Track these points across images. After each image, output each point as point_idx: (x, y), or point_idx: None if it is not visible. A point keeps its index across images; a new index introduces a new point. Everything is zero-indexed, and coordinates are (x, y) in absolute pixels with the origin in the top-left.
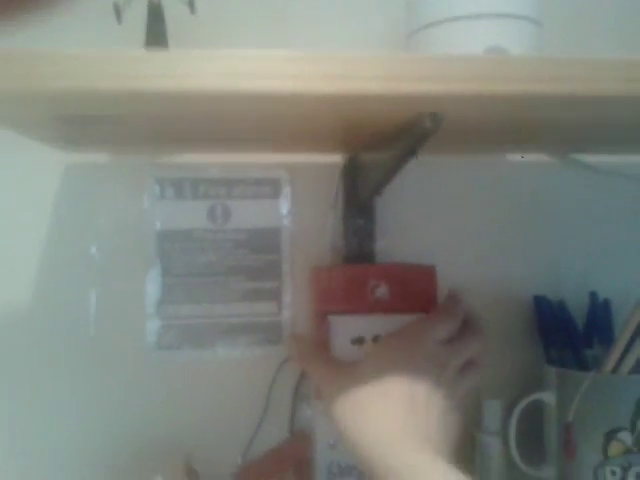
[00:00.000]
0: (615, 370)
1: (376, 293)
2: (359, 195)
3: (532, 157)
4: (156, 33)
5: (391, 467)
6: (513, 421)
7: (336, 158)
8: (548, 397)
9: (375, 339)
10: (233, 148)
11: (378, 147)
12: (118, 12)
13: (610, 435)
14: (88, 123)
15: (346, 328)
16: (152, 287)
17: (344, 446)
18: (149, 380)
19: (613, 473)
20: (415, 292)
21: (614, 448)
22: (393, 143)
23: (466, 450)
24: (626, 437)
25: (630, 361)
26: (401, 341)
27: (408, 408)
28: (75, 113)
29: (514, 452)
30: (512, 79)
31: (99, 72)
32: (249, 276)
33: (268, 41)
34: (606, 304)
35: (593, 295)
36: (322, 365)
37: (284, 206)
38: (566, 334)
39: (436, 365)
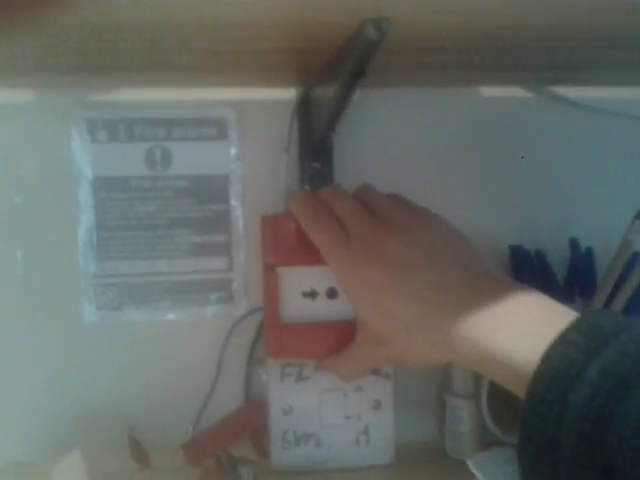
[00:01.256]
0: None
1: None
2: (313, 135)
3: (504, 91)
4: None
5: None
6: (484, 383)
7: (288, 94)
8: None
9: (329, 293)
10: (171, 81)
11: (329, 77)
12: None
13: None
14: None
15: (296, 281)
16: (85, 242)
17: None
18: (86, 345)
19: None
20: None
21: None
22: (341, 67)
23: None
24: None
25: None
26: None
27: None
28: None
29: (486, 416)
30: None
31: None
32: (195, 229)
33: None
34: (588, 253)
35: (574, 243)
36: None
37: (232, 149)
38: (545, 287)
39: None
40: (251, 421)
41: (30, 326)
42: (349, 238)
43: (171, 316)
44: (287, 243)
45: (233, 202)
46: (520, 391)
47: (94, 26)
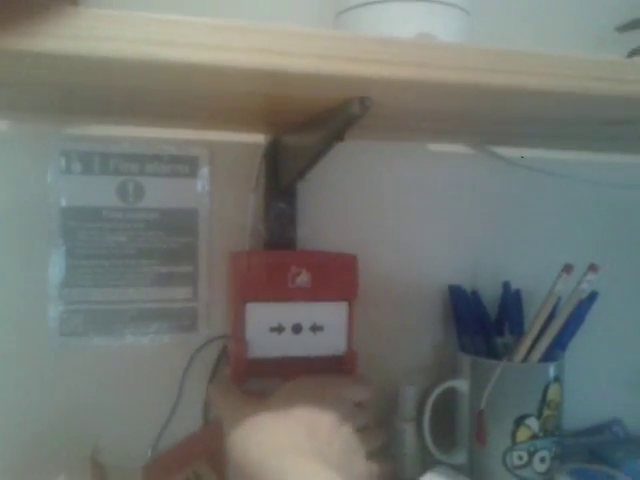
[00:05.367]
0: (525, 359)
1: (297, 281)
2: (281, 179)
3: (450, 147)
4: None
5: (280, 473)
6: (427, 408)
7: (259, 138)
8: (461, 385)
9: (295, 328)
10: (148, 122)
11: (303, 129)
12: None
13: (519, 421)
14: None
15: (265, 316)
16: (55, 268)
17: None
18: (51, 369)
19: (520, 458)
20: (336, 281)
21: (522, 434)
22: (318, 126)
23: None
24: (533, 423)
25: (539, 350)
26: (316, 383)
27: (309, 433)
28: None
29: (428, 438)
30: (448, 67)
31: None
32: (162, 259)
33: (193, 7)
34: (517, 294)
35: (506, 285)
36: (231, 394)
37: (202, 186)
38: (479, 322)
39: (344, 413)
40: (209, 444)
41: None
42: None
43: (135, 342)
44: (258, 280)
45: (201, 236)
46: None
47: (75, 85)
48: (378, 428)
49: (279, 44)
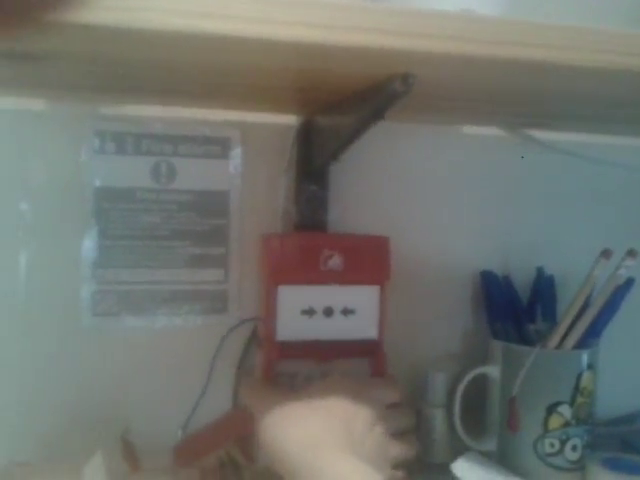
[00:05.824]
0: (559, 346)
1: (329, 263)
2: (314, 160)
3: (485, 130)
4: None
5: (314, 469)
6: (458, 394)
7: (291, 119)
8: (492, 371)
9: (326, 311)
10: (182, 102)
11: (337, 109)
12: None
13: (551, 409)
14: (22, 60)
15: (296, 298)
16: (88, 249)
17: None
18: (84, 349)
19: (552, 445)
20: (368, 263)
21: (554, 421)
22: (356, 105)
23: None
24: (566, 410)
25: (574, 337)
26: (348, 382)
27: (344, 428)
28: (6, 47)
29: (458, 425)
30: (492, 41)
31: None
32: (194, 241)
33: None
34: (550, 280)
35: (540, 270)
36: (263, 389)
37: (234, 167)
38: (510, 308)
39: (377, 415)
40: (239, 427)
41: (30, 329)
42: None
43: (167, 323)
44: (290, 262)
45: (232, 217)
46: None
47: (110, 59)
48: (411, 435)
49: (319, 17)
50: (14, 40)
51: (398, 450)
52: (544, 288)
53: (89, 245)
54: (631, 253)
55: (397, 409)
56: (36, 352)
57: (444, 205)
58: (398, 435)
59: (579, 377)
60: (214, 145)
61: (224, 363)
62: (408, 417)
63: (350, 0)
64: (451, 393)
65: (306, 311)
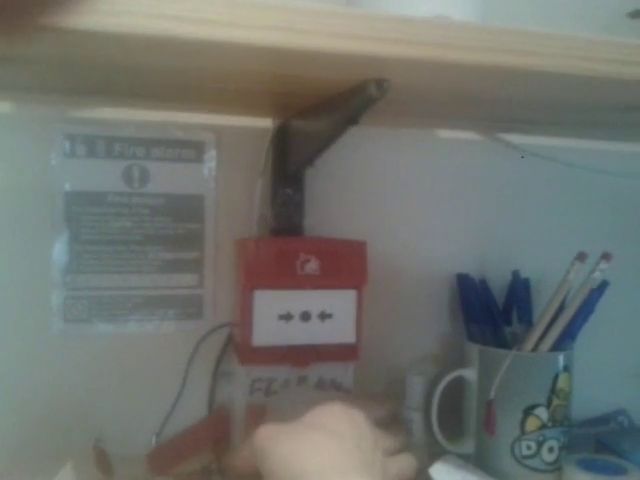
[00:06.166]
0: (535, 348)
1: (306, 268)
2: (289, 164)
3: (461, 134)
4: None
5: None
6: (435, 398)
7: (266, 122)
8: (469, 374)
9: (303, 316)
10: (154, 105)
11: (313, 113)
12: None
13: (528, 411)
14: None
15: (273, 303)
16: (59, 254)
17: None
18: (55, 355)
19: (529, 447)
20: (345, 268)
21: (531, 423)
22: (331, 110)
23: None
24: (542, 413)
25: (550, 340)
26: (344, 403)
27: (356, 448)
28: None
29: (436, 428)
30: (467, 47)
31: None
32: (168, 246)
33: None
34: (526, 283)
35: (515, 273)
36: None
37: (208, 171)
38: (487, 311)
39: (373, 434)
40: (214, 432)
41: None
42: None
43: (140, 329)
44: (266, 267)
45: (207, 221)
46: None
47: (79, 61)
48: (407, 452)
49: (295, 21)
50: None
51: (397, 468)
52: (520, 291)
53: (59, 250)
54: (605, 256)
55: (391, 426)
56: (6, 359)
57: (420, 209)
58: (395, 453)
59: (555, 379)
60: (188, 148)
61: (199, 369)
62: (402, 434)
63: (324, 5)
64: (428, 396)
65: (283, 316)
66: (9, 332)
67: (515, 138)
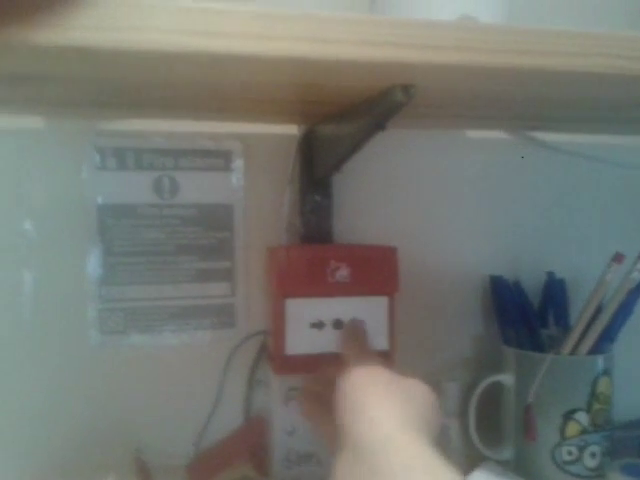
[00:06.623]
0: (573, 352)
1: (336, 275)
2: (317, 170)
3: (489, 134)
4: None
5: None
6: (473, 403)
7: (292, 129)
8: (506, 379)
9: (335, 324)
10: (181, 115)
11: (339, 119)
12: None
13: (567, 416)
14: (20, 82)
15: (305, 311)
16: (93, 267)
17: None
18: (93, 367)
19: (570, 453)
20: (376, 274)
21: (571, 428)
22: (358, 115)
23: None
24: (582, 417)
25: (588, 343)
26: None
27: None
28: (4, 70)
29: (473, 434)
30: (493, 49)
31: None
32: (199, 255)
33: None
34: (562, 284)
35: (550, 275)
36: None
37: (236, 179)
38: (522, 314)
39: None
40: (251, 440)
41: (37, 348)
42: None
43: (175, 340)
44: (297, 275)
45: (236, 230)
46: None
47: (108, 79)
48: None
49: (321, 31)
50: (14, 64)
51: None
52: (555, 292)
53: (94, 263)
54: None
55: None
56: (44, 372)
57: (450, 211)
58: None
59: (595, 383)
60: (216, 158)
61: (234, 377)
62: None
63: (349, 13)
64: (465, 402)
65: (315, 324)
66: (48, 346)
67: (546, 136)
